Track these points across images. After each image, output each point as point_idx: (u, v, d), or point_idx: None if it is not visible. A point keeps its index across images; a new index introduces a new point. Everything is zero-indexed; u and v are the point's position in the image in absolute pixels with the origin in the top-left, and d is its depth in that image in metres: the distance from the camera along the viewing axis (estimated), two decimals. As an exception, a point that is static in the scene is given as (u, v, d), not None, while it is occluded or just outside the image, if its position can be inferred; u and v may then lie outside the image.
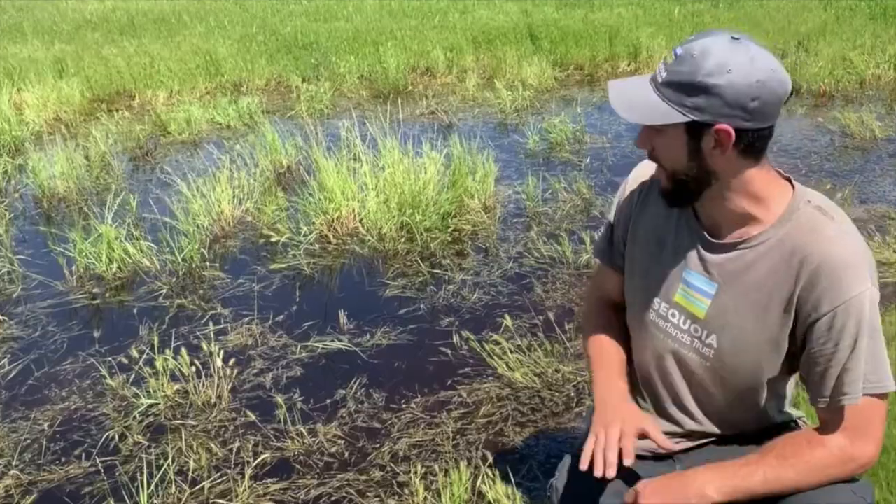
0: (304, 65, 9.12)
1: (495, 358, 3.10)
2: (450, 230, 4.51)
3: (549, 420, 2.75)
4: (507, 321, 3.33)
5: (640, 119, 1.34)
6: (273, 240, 4.48)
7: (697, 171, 1.35)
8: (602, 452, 1.32)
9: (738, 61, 1.25)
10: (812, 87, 7.91)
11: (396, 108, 7.01)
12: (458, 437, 2.69)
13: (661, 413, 1.58)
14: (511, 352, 3.13)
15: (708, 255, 1.44)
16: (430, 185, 4.60)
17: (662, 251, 1.51)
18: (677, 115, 1.30)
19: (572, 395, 2.88)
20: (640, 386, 1.61)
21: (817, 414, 1.38)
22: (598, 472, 1.30)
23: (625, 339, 1.63)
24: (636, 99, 1.33)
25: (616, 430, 1.34)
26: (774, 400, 1.52)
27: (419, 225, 4.44)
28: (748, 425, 1.54)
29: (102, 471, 2.62)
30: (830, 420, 1.35)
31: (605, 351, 1.59)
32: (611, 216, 1.65)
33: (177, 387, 3.02)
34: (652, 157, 1.41)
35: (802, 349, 1.37)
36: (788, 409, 1.58)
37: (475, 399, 2.90)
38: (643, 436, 1.38)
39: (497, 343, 3.20)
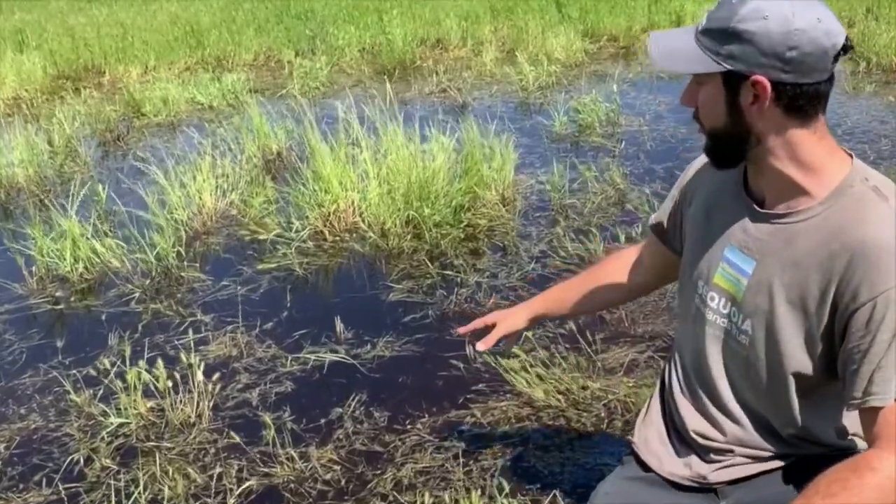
0: (297, 36, 9.17)
1: (513, 373, 3.10)
2: (462, 226, 4.51)
3: (576, 444, 2.74)
4: (528, 331, 3.32)
5: (673, 66, 1.37)
6: (261, 237, 4.50)
7: (737, 128, 1.37)
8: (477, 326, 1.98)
9: (776, 8, 1.28)
10: (882, 61, 7.84)
11: (403, 86, 7.03)
12: (470, 462, 2.68)
13: (705, 416, 1.58)
14: (532, 366, 3.13)
15: (751, 227, 1.45)
16: (440, 173, 4.61)
17: (709, 226, 1.54)
18: (712, 64, 1.33)
19: (602, 415, 2.87)
20: (684, 386, 1.62)
21: (861, 425, 1.36)
22: (461, 329, 1.98)
23: (598, 288, 1.90)
24: (674, 47, 1.38)
25: (493, 318, 1.98)
26: (821, 415, 1.50)
27: (427, 220, 4.44)
28: (799, 443, 1.52)
29: (66, 499, 2.63)
30: (873, 431, 1.31)
31: (563, 285, 1.98)
32: (675, 189, 1.70)
33: (151, 404, 3.03)
34: (695, 116, 1.44)
35: (840, 348, 1.35)
36: (854, 438, 1.55)
37: (490, 419, 2.90)
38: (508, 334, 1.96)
39: (515, 356, 3.20)
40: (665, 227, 1.73)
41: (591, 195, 4.84)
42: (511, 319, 1.95)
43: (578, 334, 3.33)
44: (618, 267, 1.90)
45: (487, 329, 1.96)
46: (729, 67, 1.33)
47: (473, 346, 2.06)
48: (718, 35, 1.32)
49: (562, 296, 1.96)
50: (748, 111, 1.35)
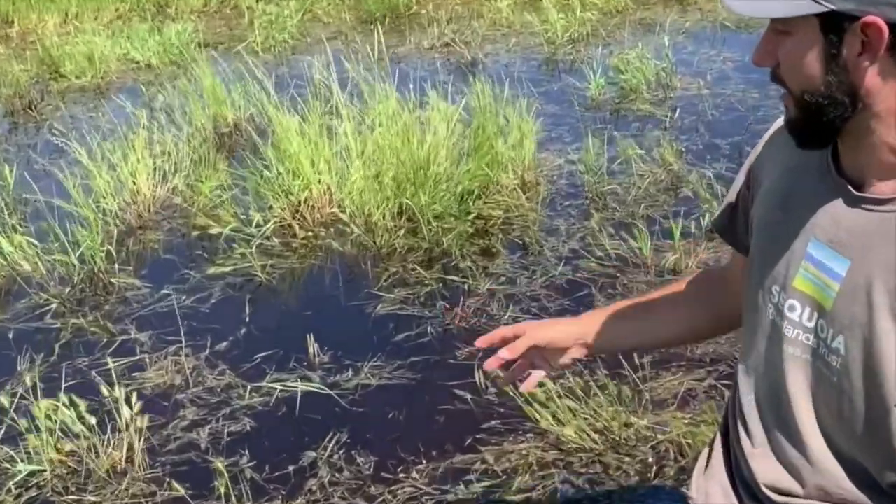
0: (259, -25, 9.16)
1: (537, 406, 3.09)
2: (471, 218, 4.49)
3: (616, 498, 2.73)
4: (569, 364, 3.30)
5: (757, 10, 1.34)
6: (212, 231, 4.50)
7: (837, 89, 1.34)
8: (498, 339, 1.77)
9: None
10: None
11: (395, 39, 7.03)
12: (481, 522, 2.69)
13: (782, 463, 1.56)
14: (560, 396, 3.11)
15: (844, 216, 1.42)
16: (441, 151, 4.59)
17: (786, 216, 1.50)
18: (809, 5, 1.30)
19: (650, 460, 2.86)
20: (754, 424, 1.60)
21: None
22: (478, 343, 1.79)
23: (680, 310, 1.80)
24: None
25: (523, 328, 1.77)
26: None
27: (426, 210, 4.43)
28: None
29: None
30: None
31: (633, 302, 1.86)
32: (741, 175, 1.66)
33: (70, 446, 3.02)
34: (775, 76, 1.41)
35: None
36: None
37: (506, 466, 2.89)
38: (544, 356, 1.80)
39: (539, 384, 3.16)
40: (731, 224, 1.70)
41: (636, 178, 4.81)
42: (549, 331, 1.79)
43: (621, 356, 3.32)
44: (704, 288, 1.82)
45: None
46: (832, 7, 1.30)
47: (485, 371, 1.95)
48: None
49: (626, 319, 1.82)
50: (853, 64, 1.32)
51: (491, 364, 1.72)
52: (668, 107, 5.93)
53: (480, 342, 1.79)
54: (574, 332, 1.80)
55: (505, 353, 1.71)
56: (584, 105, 6.06)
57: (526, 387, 1.82)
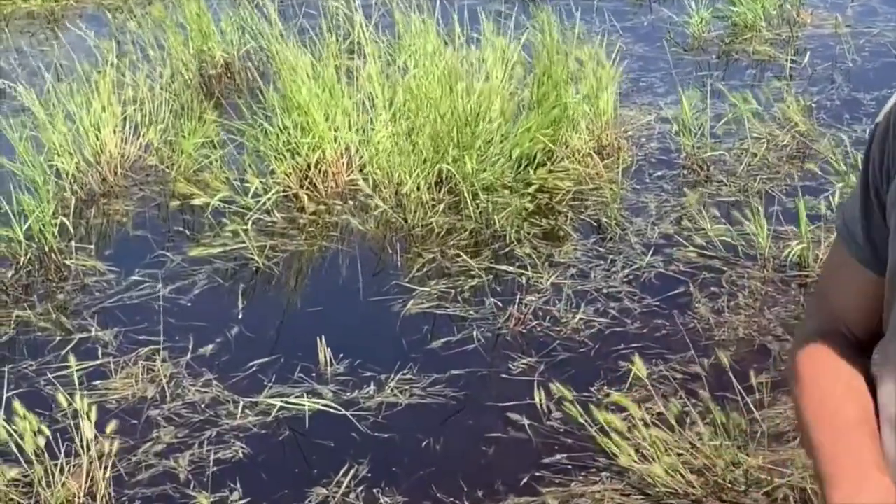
0: None
1: (614, 436, 3.05)
2: (531, 191, 4.49)
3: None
4: (638, 367, 3.28)
5: None
6: (196, 202, 4.52)
7: None
8: None
9: None
10: None
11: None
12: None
13: None
14: (646, 425, 3.09)
15: None
16: (494, 102, 4.56)
17: None
18: None
19: (764, 510, 2.86)
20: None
21: None
22: None
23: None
24: None
25: None
26: None
27: (472, 179, 4.42)
28: None
29: None
30: None
31: (838, 405, 1.58)
32: (875, 149, 1.63)
33: (14, 472, 3.04)
34: None
35: None
36: None
37: (575, 513, 2.89)
38: None
39: (618, 408, 3.18)
40: (862, 234, 1.64)
41: (748, 143, 4.79)
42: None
43: (730, 371, 3.28)
44: (845, 355, 1.67)
45: None
46: None
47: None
48: None
49: (864, 425, 1.58)
50: None
51: None
52: (793, 49, 5.89)
53: None
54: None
55: None
56: (683, 45, 6.02)
57: None
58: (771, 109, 5.05)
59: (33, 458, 3.04)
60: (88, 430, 3.08)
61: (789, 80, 5.45)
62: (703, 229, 4.17)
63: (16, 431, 3.06)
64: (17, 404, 3.11)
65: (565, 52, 4.87)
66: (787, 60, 5.74)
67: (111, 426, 3.15)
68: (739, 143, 4.83)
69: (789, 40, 6.01)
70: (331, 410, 3.33)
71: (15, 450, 3.06)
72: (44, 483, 3.01)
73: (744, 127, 4.92)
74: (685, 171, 4.66)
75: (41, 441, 3.04)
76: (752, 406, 3.20)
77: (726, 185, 4.53)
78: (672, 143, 4.87)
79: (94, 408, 3.15)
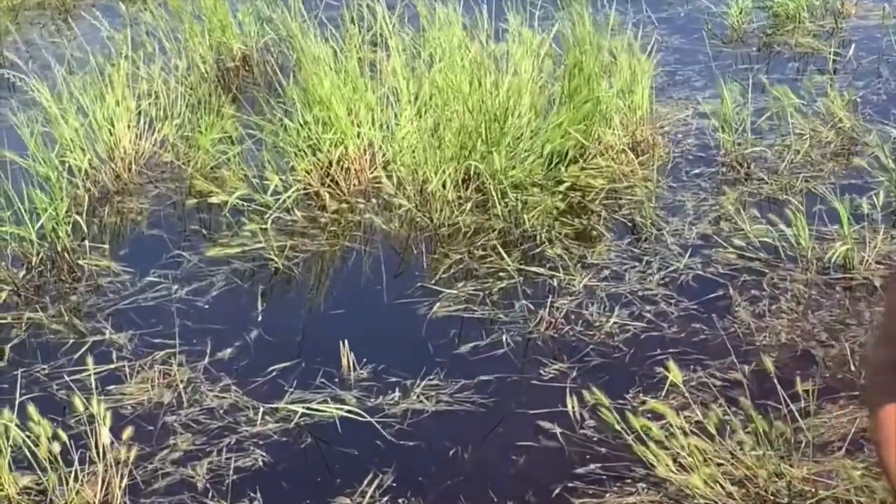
0: None
1: (652, 445, 3.01)
2: (562, 189, 4.48)
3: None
4: (675, 373, 3.26)
5: None
6: (214, 200, 4.51)
7: None
8: None
9: None
10: None
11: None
12: None
13: None
14: (685, 433, 3.04)
15: None
16: (523, 97, 4.54)
17: None
18: None
19: (812, 525, 2.80)
20: None
21: None
22: None
23: None
24: None
25: None
26: None
27: (500, 177, 4.40)
28: None
29: None
30: None
31: None
32: None
33: (26, 480, 3.03)
34: None
35: None
36: None
37: (610, 527, 2.85)
38: None
39: (655, 416, 3.14)
40: None
41: (791, 139, 4.78)
42: None
43: (776, 379, 3.21)
44: None
45: None
46: None
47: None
48: None
49: None
50: None
51: None
52: (837, 41, 5.90)
53: None
54: None
55: None
56: (721, 37, 6.03)
57: None
58: (814, 104, 5.06)
59: (47, 464, 3.03)
60: (105, 436, 3.06)
61: (833, 74, 5.47)
62: (743, 230, 4.16)
63: (28, 437, 3.05)
64: (31, 409, 3.11)
65: (597, 44, 4.86)
66: (830, 53, 5.76)
67: (127, 432, 3.15)
68: (781, 139, 4.83)
69: (833, 32, 6.03)
70: (354, 417, 3.32)
71: (29, 456, 3.06)
72: (58, 491, 3.00)
73: (786, 122, 4.93)
74: (724, 169, 4.66)
75: (56, 448, 3.02)
76: (796, 414, 3.17)
77: (767, 183, 4.53)
78: (710, 140, 4.88)
79: (107, 413, 3.12)
